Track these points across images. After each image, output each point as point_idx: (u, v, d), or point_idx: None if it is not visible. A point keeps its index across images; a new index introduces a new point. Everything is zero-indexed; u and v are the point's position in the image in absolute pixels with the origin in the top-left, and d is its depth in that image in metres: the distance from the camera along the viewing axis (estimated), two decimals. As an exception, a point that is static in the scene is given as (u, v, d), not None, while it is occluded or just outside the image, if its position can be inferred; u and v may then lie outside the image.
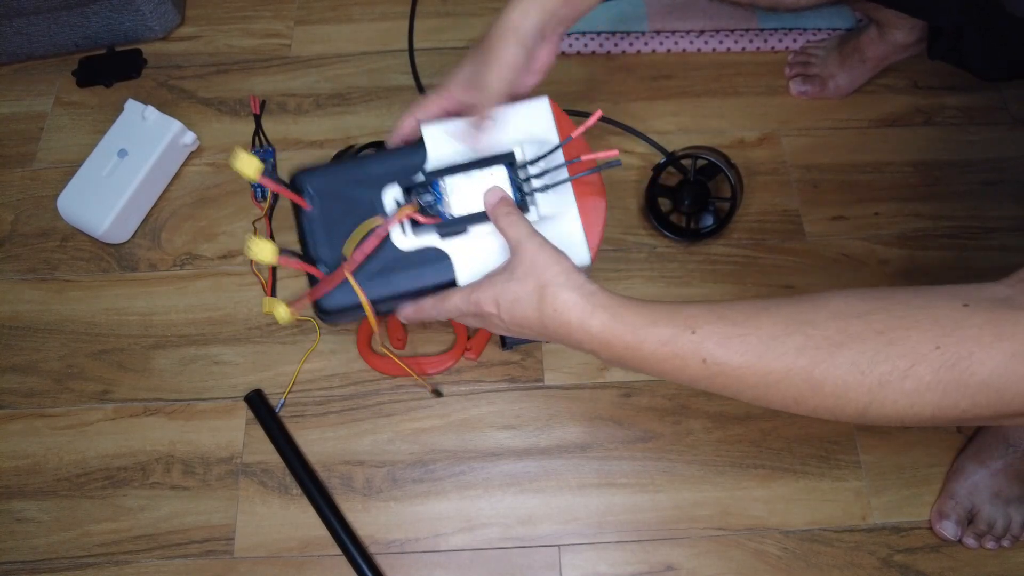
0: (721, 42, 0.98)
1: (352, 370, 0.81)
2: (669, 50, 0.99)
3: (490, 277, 0.54)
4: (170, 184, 0.92)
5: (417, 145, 0.60)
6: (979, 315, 0.40)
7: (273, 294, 0.85)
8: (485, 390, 0.80)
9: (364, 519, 0.75)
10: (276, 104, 0.97)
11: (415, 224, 0.58)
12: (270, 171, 0.58)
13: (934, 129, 0.93)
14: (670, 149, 0.87)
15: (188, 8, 1.04)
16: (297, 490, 0.76)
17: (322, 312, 0.59)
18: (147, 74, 1.00)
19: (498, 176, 0.59)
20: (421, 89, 0.96)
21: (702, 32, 0.99)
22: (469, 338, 0.80)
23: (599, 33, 0.99)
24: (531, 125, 0.61)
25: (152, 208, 0.91)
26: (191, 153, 0.93)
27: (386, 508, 0.75)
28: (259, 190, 0.90)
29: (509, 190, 0.58)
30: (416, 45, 1.00)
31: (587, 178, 0.60)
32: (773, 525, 0.74)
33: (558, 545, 0.74)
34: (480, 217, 0.58)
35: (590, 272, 0.57)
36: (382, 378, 0.80)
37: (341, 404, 0.80)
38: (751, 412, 0.78)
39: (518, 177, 0.59)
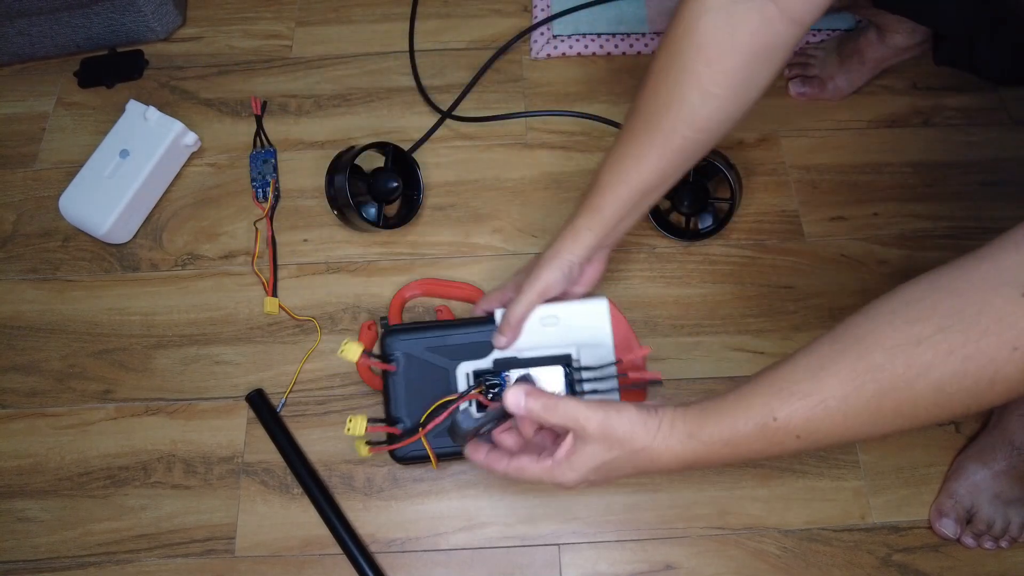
0: (721, 43, 0.98)
1: (353, 370, 0.81)
2: (669, 51, 0.99)
3: (569, 462, 0.53)
4: (171, 184, 0.92)
5: (491, 321, 0.70)
6: None
7: (274, 294, 0.85)
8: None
9: (365, 518, 0.75)
10: (277, 105, 0.97)
11: (480, 406, 0.66)
12: (368, 353, 0.69)
13: (933, 130, 0.93)
14: (670, 150, 0.87)
15: (190, 9, 1.05)
16: (298, 489, 0.76)
17: (397, 458, 0.70)
18: (149, 75, 1.00)
19: (555, 374, 0.67)
20: (422, 90, 0.96)
21: (702, 33, 0.99)
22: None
23: (599, 34, 0.99)
24: (591, 323, 0.69)
25: (153, 208, 0.91)
26: (192, 154, 0.94)
27: (387, 507, 0.75)
28: (260, 191, 0.91)
29: (563, 387, 0.66)
30: (417, 46, 1.00)
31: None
32: (772, 524, 0.74)
33: (558, 544, 0.74)
34: None
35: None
36: (383, 378, 0.81)
37: (342, 404, 0.80)
38: (750, 412, 0.78)
39: (572, 376, 0.67)
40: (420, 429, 0.66)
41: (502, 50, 0.98)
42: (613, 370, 0.67)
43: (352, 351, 0.67)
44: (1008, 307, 0.40)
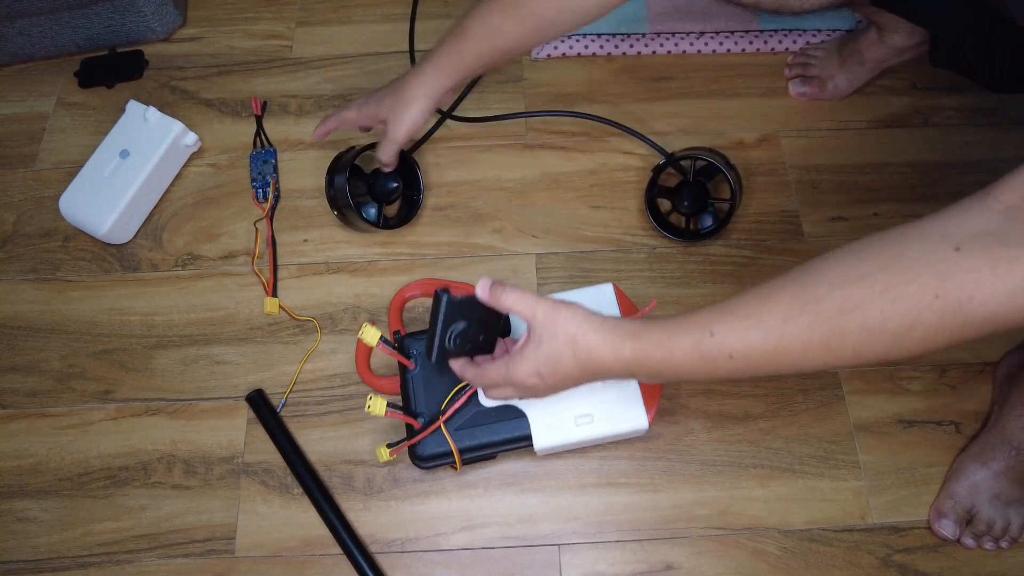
0: (721, 43, 0.99)
1: (353, 370, 0.81)
2: (669, 52, 0.99)
3: (520, 352, 0.57)
4: (171, 185, 0.92)
5: (502, 319, 0.70)
6: (974, 257, 0.42)
7: (274, 295, 0.85)
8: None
9: (365, 518, 0.75)
10: (277, 105, 0.97)
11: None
12: (385, 340, 0.69)
13: (933, 130, 0.93)
14: (669, 150, 0.87)
15: (190, 9, 1.05)
16: (298, 489, 0.76)
17: (417, 458, 0.70)
18: (149, 75, 1.00)
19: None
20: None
21: (702, 34, 0.99)
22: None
23: (599, 35, 0.99)
24: (599, 306, 0.69)
25: (154, 209, 0.91)
26: (193, 154, 0.94)
27: (387, 507, 0.75)
28: (260, 191, 0.91)
29: None
30: (417, 46, 1.00)
31: None
32: (772, 525, 0.74)
33: (558, 544, 0.74)
34: None
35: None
36: (383, 378, 0.81)
37: (342, 404, 0.80)
38: (750, 412, 0.78)
39: None
40: (440, 416, 0.68)
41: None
42: None
43: (370, 335, 0.67)
44: (939, 257, 0.43)
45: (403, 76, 0.77)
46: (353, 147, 0.85)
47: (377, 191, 0.86)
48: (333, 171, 0.85)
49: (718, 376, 0.53)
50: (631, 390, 0.69)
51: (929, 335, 0.44)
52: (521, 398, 0.61)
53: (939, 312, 0.43)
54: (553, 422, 0.69)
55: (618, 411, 0.69)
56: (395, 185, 0.85)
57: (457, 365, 0.62)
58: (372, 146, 0.84)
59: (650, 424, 0.69)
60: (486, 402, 0.70)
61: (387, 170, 0.83)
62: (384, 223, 0.86)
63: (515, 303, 0.57)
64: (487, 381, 0.60)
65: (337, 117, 0.82)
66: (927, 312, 0.43)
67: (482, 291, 0.58)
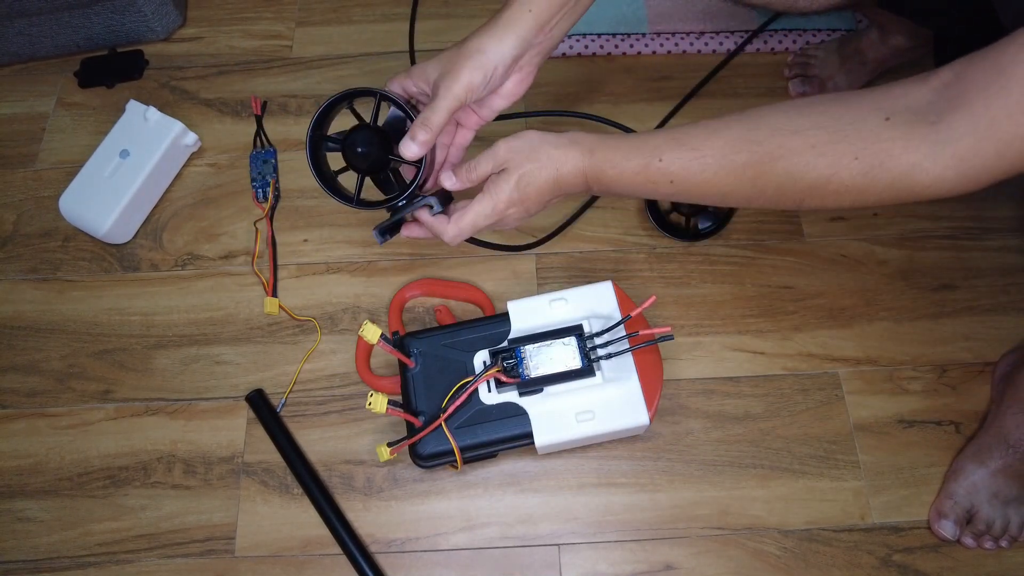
0: (721, 43, 0.99)
1: (353, 370, 0.81)
2: (669, 51, 0.99)
3: (495, 183, 0.63)
4: (171, 185, 0.92)
5: (503, 317, 0.73)
6: (896, 128, 0.47)
7: (274, 295, 0.85)
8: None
9: (365, 518, 0.75)
10: (277, 105, 0.97)
11: (499, 383, 0.70)
12: (386, 337, 0.68)
13: (933, 130, 0.93)
14: (670, 150, 0.87)
15: (190, 9, 1.05)
16: (298, 489, 0.76)
17: (417, 457, 0.70)
18: (149, 75, 1.00)
19: (569, 345, 0.69)
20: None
21: (702, 33, 0.99)
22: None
23: (599, 34, 0.99)
24: (597, 304, 0.72)
25: (154, 208, 0.91)
26: (192, 154, 0.94)
27: (387, 507, 0.75)
28: (260, 191, 0.91)
29: (579, 357, 0.68)
30: (417, 46, 1.00)
31: (645, 348, 0.70)
32: (772, 525, 0.74)
33: (558, 544, 0.74)
34: (553, 378, 0.68)
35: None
36: (383, 378, 0.81)
37: (342, 404, 0.80)
38: (750, 412, 0.78)
39: (586, 346, 0.69)
40: (440, 414, 0.68)
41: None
42: (622, 330, 0.70)
43: (370, 332, 0.67)
44: (869, 124, 0.48)
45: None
46: (354, 89, 0.68)
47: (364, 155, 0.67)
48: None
49: (657, 195, 0.60)
50: (632, 387, 0.69)
51: (840, 191, 0.50)
52: (492, 229, 0.66)
53: (854, 172, 0.48)
54: (554, 419, 0.69)
55: (619, 408, 0.69)
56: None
57: (438, 223, 0.66)
58: (369, 92, 0.67)
59: (651, 421, 0.69)
60: (487, 400, 0.70)
61: (418, 148, 0.61)
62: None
63: (482, 162, 0.63)
64: (468, 223, 0.64)
65: (394, 82, 0.67)
66: (844, 171, 0.49)
67: (451, 181, 0.65)
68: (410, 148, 0.62)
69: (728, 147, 0.54)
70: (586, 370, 0.68)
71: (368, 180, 0.70)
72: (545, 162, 0.61)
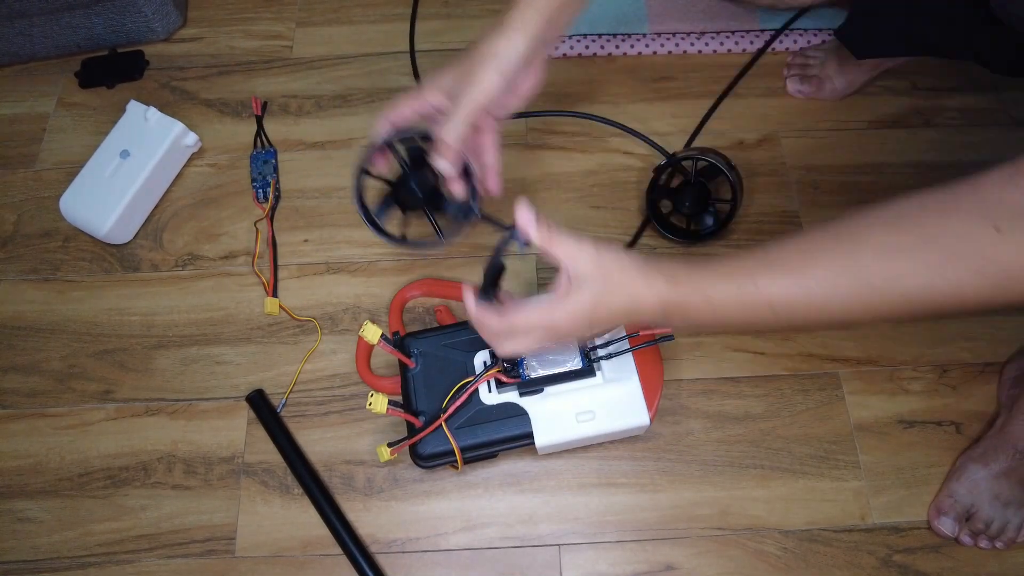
0: (722, 43, 0.99)
1: (353, 370, 0.81)
2: (670, 52, 0.99)
3: (564, 298, 0.54)
4: (172, 185, 0.92)
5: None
6: (1013, 237, 0.44)
7: (275, 295, 0.85)
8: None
9: (365, 518, 0.75)
10: (278, 105, 0.97)
11: (499, 383, 0.70)
12: (386, 337, 0.68)
13: (933, 130, 0.93)
14: (670, 151, 0.87)
15: (190, 9, 1.05)
16: (298, 490, 0.76)
17: (418, 457, 0.70)
18: (149, 75, 1.00)
19: (569, 346, 0.68)
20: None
21: (702, 34, 0.99)
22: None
23: (600, 35, 0.99)
24: None
25: (154, 209, 0.91)
26: (193, 154, 0.94)
27: (387, 508, 0.75)
28: (260, 191, 0.91)
29: (579, 358, 0.68)
30: (417, 47, 1.00)
31: (646, 348, 0.70)
32: (772, 525, 0.74)
33: (558, 544, 0.74)
34: (553, 379, 0.68)
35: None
36: (383, 378, 0.81)
37: (342, 404, 0.80)
38: (750, 412, 0.78)
39: (586, 346, 0.69)
40: (441, 414, 0.68)
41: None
42: (623, 331, 0.69)
43: (371, 332, 0.67)
44: (981, 237, 0.45)
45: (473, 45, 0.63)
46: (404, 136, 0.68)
47: (418, 195, 0.69)
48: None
49: (751, 325, 0.53)
50: (632, 388, 0.69)
51: (965, 305, 0.47)
52: (542, 347, 0.58)
53: (979, 288, 0.45)
54: (554, 420, 0.69)
55: (619, 408, 0.69)
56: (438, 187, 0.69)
57: (483, 314, 0.57)
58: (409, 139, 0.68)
59: (651, 421, 0.69)
60: (487, 400, 0.70)
61: (446, 162, 0.62)
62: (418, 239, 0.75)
63: (556, 250, 0.54)
64: (528, 324, 0.56)
65: (390, 115, 0.65)
66: (968, 288, 0.46)
67: (526, 223, 0.54)
68: (440, 163, 0.62)
69: (832, 275, 0.49)
70: (586, 370, 0.68)
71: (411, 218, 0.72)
72: (625, 287, 0.53)
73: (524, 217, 0.55)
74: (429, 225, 0.71)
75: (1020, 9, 0.59)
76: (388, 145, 0.66)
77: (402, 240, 0.73)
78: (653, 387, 0.70)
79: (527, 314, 0.55)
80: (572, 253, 0.54)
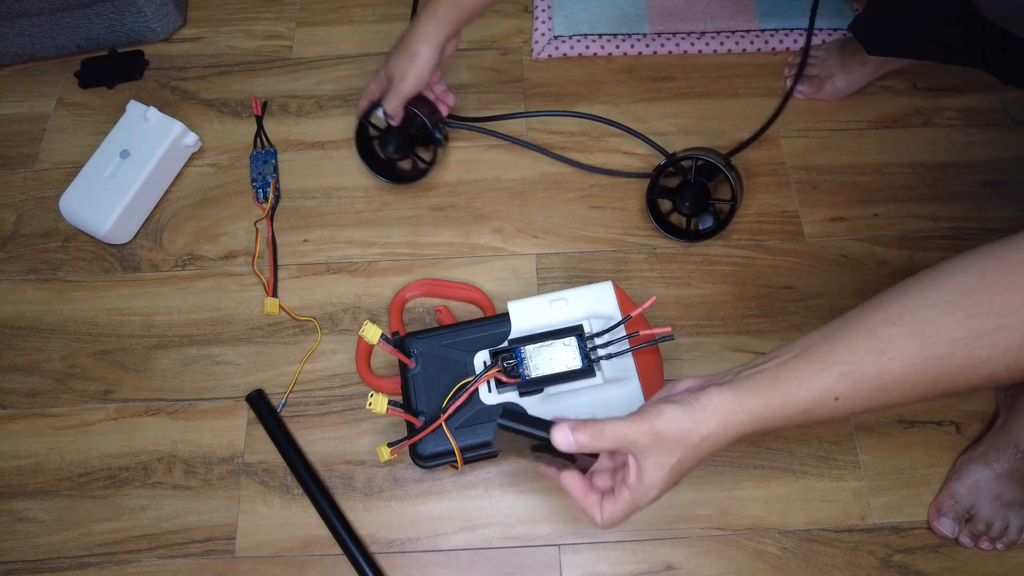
0: (722, 43, 0.99)
1: (353, 370, 0.81)
2: (669, 52, 0.99)
3: (640, 482, 0.52)
4: (172, 185, 0.92)
5: (503, 317, 0.73)
6: None
7: (275, 295, 0.85)
8: (485, 390, 0.80)
9: (365, 519, 0.75)
10: (278, 105, 0.97)
11: (499, 384, 0.70)
12: (386, 337, 0.69)
13: (933, 130, 0.93)
14: (670, 150, 0.87)
15: (190, 10, 1.05)
16: (298, 490, 0.76)
17: (418, 457, 0.70)
18: (149, 75, 1.00)
19: (570, 345, 0.69)
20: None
21: (702, 34, 0.99)
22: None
23: (600, 35, 0.99)
24: (598, 304, 0.72)
25: (154, 209, 0.91)
26: (193, 154, 0.94)
27: (387, 508, 0.75)
28: (260, 191, 0.91)
29: (579, 358, 0.69)
30: (417, 46, 1.00)
31: (646, 348, 0.70)
32: (772, 525, 0.74)
33: (558, 545, 0.74)
34: (553, 379, 0.68)
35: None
36: (383, 378, 0.81)
37: (342, 404, 0.80)
38: (751, 412, 0.78)
39: (586, 346, 0.69)
40: (441, 414, 0.68)
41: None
42: (623, 331, 0.70)
43: (371, 332, 0.68)
44: None
45: (406, 31, 0.80)
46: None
47: (390, 145, 0.88)
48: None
49: (822, 419, 0.51)
50: (632, 388, 0.69)
51: None
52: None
53: None
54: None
55: (619, 408, 0.69)
56: (402, 138, 0.88)
57: (595, 507, 0.55)
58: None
59: None
60: (487, 400, 0.70)
61: (394, 123, 0.85)
62: (413, 171, 0.91)
63: (611, 442, 0.51)
64: (619, 519, 0.55)
65: (365, 94, 0.86)
66: None
67: (566, 444, 0.51)
68: (389, 120, 0.85)
69: (908, 370, 0.47)
70: (586, 370, 0.68)
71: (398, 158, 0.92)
72: (698, 446, 0.51)
73: (562, 439, 0.52)
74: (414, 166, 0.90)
75: (1002, 8, 0.59)
76: (365, 117, 0.87)
77: (398, 176, 0.91)
78: (653, 387, 0.70)
79: (618, 509, 0.54)
80: (624, 438, 0.51)
